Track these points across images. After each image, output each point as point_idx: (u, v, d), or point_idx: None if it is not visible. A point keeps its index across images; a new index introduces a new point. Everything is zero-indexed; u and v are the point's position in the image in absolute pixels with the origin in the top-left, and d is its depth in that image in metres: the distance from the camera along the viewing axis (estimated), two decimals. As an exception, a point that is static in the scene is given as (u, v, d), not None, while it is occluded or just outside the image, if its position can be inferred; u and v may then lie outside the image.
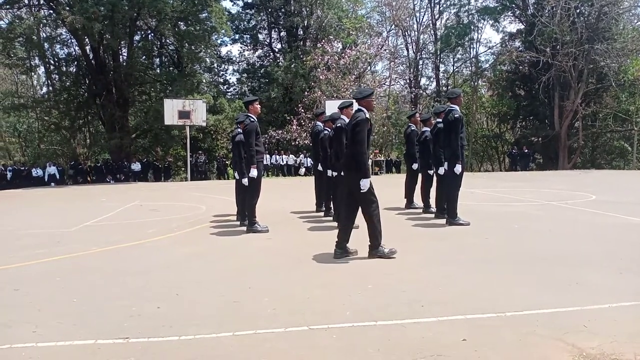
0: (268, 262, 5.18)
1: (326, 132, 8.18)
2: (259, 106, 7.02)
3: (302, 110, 27.56)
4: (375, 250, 5.22)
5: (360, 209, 5.28)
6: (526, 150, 29.71)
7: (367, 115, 5.14)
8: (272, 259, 5.32)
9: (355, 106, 5.52)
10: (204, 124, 24.78)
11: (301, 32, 33.32)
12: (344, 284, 4.23)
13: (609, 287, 3.97)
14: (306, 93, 28.54)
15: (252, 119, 6.78)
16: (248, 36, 35.65)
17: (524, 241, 5.99)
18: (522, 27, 33.79)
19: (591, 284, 4.08)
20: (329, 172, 7.94)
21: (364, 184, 5.03)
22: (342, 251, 5.29)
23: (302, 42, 32.69)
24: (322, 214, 8.67)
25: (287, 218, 8.47)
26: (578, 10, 29.46)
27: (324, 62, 28.52)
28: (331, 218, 7.98)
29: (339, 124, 6.68)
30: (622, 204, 9.38)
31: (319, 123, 8.87)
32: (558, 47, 29.20)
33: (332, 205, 8.17)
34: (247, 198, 7.07)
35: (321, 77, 28.22)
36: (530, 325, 3.17)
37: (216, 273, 4.79)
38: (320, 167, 8.59)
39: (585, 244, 5.80)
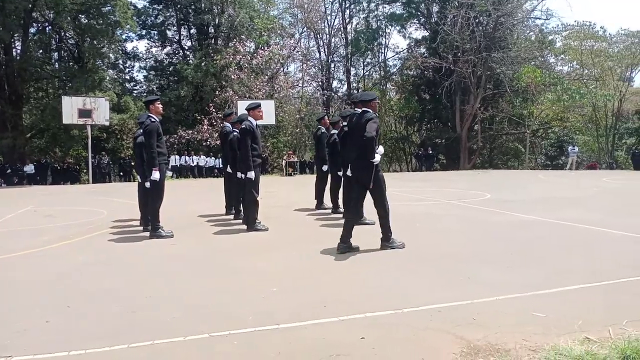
0: (170, 269, 5.01)
1: (235, 133, 8.07)
2: (160, 106, 6.77)
3: (214, 110, 27.02)
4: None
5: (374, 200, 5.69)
6: (431, 152, 31.28)
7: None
8: (175, 266, 5.15)
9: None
10: (107, 123, 23.57)
11: (212, 31, 32.70)
12: (249, 289, 4.18)
13: (498, 281, 4.26)
14: (217, 92, 28.04)
15: (152, 119, 6.51)
16: (156, 32, 34.38)
17: (424, 239, 6.29)
18: (427, 34, 35.54)
19: (482, 278, 4.35)
20: (239, 174, 7.83)
21: (377, 159, 5.50)
22: (345, 246, 5.55)
23: (213, 41, 32.08)
24: (231, 217, 8.53)
25: (194, 222, 8.23)
26: (477, 20, 31.55)
27: (236, 62, 28.17)
28: (241, 221, 7.87)
29: (244, 126, 6.61)
30: (514, 202, 10.14)
31: (227, 124, 8.76)
32: (459, 54, 31.08)
33: (241, 208, 8.06)
34: (149, 202, 6.79)
35: (233, 77, 27.86)
36: (424, 320, 3.33)
37: (114, 282, 4.54)
38: (229, 169, 8.46)
39: (479, 240, 6.21)
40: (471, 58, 30.61)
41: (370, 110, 5.73)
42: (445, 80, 31.31)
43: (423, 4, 34.99)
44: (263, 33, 31.74)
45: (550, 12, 35.34)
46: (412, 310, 3.52)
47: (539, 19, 34.58)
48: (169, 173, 22.93)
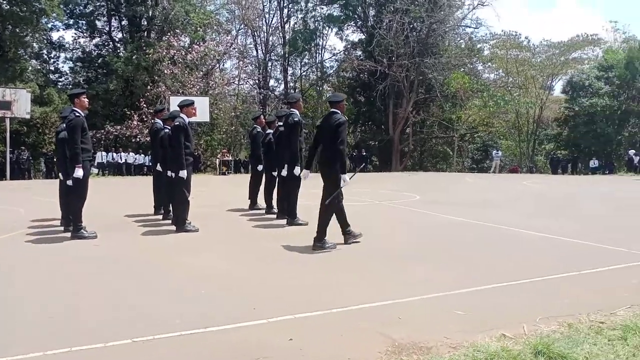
0: (92, 272, 4.78)
1: (166, 130, 7.83)
2: (86, 100, 6.45)
3: (145, 105, 26.19)
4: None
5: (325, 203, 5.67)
6: (364, 153, 31.88)
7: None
8: (98, 268, 4.91)
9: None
10: (28, 117, 22.25)
11: (145, 23, 31.60)
12: (176, 291, 4.07)
13: (423, 280, 4.40)
14: (149, 87, 27.16)
15: (77, 114, 6.19)
16: (84, 22, 32.78)
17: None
18: (363, 37, 36.19)
19: (408, 278, 4.49)
20: (169, 173, 7.59)
21: (345, 178, 5.57)
22: (349, 236, 5.88)
23: (145, 33, 31.03)
24: (160, 217, 8.27)
25: (120, 222, 7.91)
26: (411, 26, 32.50)
27: (170, 56, 27.39)
28: (170, 221, 7.64)
29: (177, 123, 6.43)
30: (441, 204, 10.54)
31: (158, 120, 8.50)
32: (393, 58, 31.87)
33: (170, 208, 7.82)
34: (71, 200, 6.44)
35: (166, 72, 27.10)
36: (353, 320, 3.37)
37: (30, 286, 4.26)
38: (159, 167, 8.20)
39: (406, 241, 6.40)
40: (405, 62, 31.50)
41: (338, 112, 5.79)
42: (379, 84, 32.03)
43: (360, 7, 35.59)
44: (199, 28, 31.04)
45: (479, 22, 37.10)
46: (340, 310, 3.56)
47: (469, 27, 36.22)
48: (94, 170, 21.95)
